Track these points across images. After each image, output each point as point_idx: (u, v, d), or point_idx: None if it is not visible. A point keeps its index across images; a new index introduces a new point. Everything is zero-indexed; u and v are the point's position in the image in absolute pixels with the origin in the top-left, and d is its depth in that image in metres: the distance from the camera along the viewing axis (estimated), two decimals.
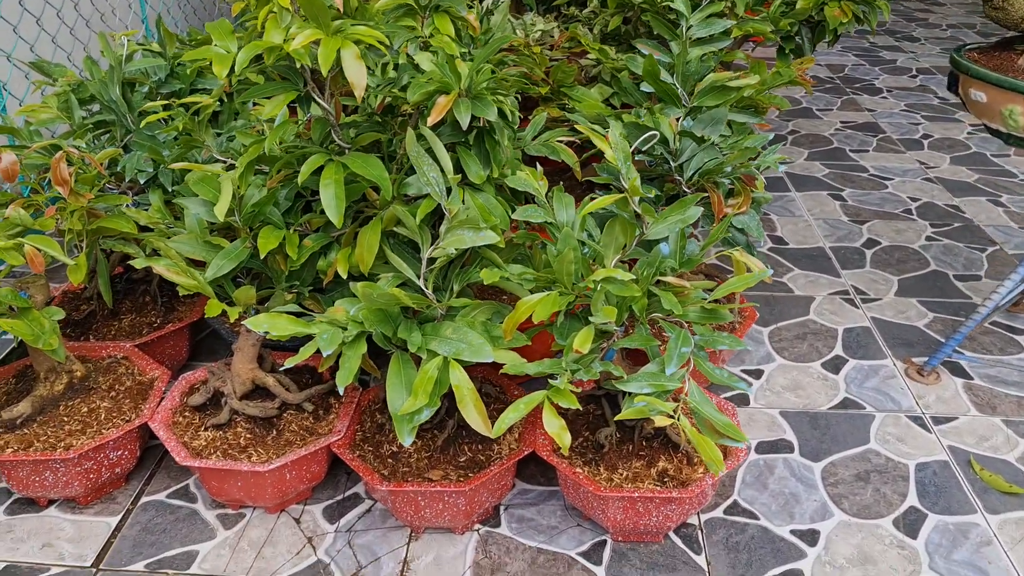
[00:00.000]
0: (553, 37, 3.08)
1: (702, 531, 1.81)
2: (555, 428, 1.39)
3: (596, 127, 2.09)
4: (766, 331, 2.51)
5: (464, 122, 1.44)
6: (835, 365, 2.36)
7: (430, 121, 1.43)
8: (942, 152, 3.87)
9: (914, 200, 3.38)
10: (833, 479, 1.95)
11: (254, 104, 2.27)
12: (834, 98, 4.61)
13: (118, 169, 2.06)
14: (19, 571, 1.72)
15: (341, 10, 1.41)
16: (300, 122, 1.72)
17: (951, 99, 4.55)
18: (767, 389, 2.26)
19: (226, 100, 2.19)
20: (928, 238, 3.07)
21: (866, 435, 2.09)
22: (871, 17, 2.90)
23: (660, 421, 1.39)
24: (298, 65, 1.45)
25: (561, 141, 1.99)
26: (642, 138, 1.68)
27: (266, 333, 1.74)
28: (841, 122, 4.25)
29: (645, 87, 2.21)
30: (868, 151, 3.89)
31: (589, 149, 2.51)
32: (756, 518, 1.85)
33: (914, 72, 5.06)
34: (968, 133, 4.09)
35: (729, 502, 1.89)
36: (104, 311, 2.19)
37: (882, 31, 5.98)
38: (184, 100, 1.86)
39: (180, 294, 1.60)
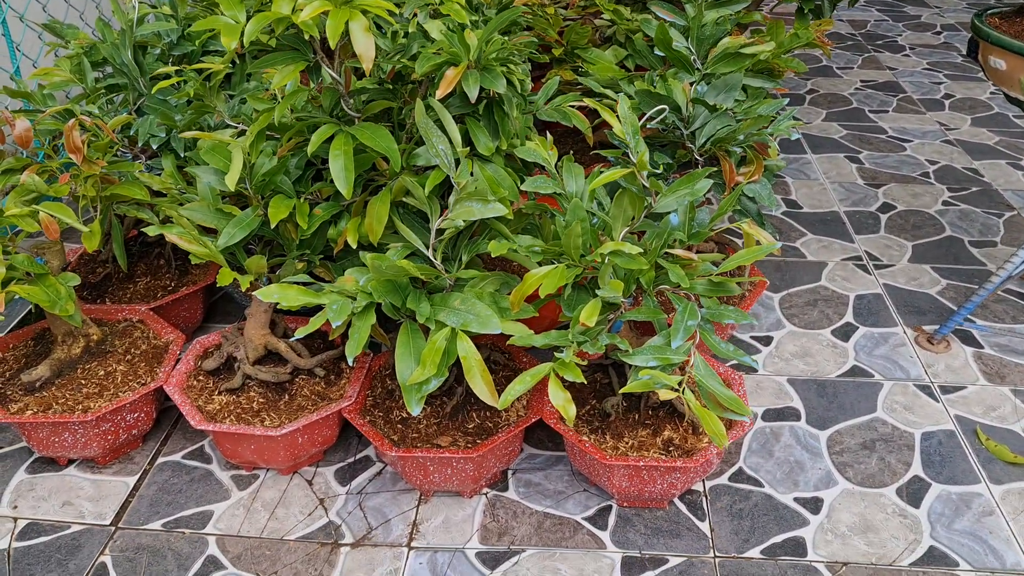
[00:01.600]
0: None
1: (706, 498, 1.84)
2: (560, 401, 1.41)
3: (608, 94, 2.08)
4: (777, 297, 2.51)
5: (472, 95, 1.43)
6: (845, 332, 2.36)
7: (439, 94, 1.42)
8: (963, 113, 3.81)
9: (932, 163, 3.34)
10: (839, 447, 1.97)
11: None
12: (855, 56, 4.53)
13: (131, 133, 2.07)
14: (41, 528, 1.77)
15: None
16: (311, 89, 1.72)
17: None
18: (776, 356, 2.26)
19: (238, 62, 2.19)
20: (945, 203, 3.04)
21: (873, 404, 2.10)
22: None
23: (664, 395, 1.41)
24: (307, 36, 1.44)
25: (573, 106, 1.98)
26: (652, 111, 1.66)
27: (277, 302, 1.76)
28: (861, 81, 4.19)
29: (658, 50, 2.18)
30: (887, 111, 3.83)
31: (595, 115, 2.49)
32: (760, 485, 1.87)
33: (938, 28, 4.95)
34: (991, 93, 4.02)
35: (734, 469, 1.91)
36: (119, 274, 2.22)
37: None
38: (196, 65, 1.86)
39: (193, 262, 1.62)
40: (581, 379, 1.40)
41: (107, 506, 1.83)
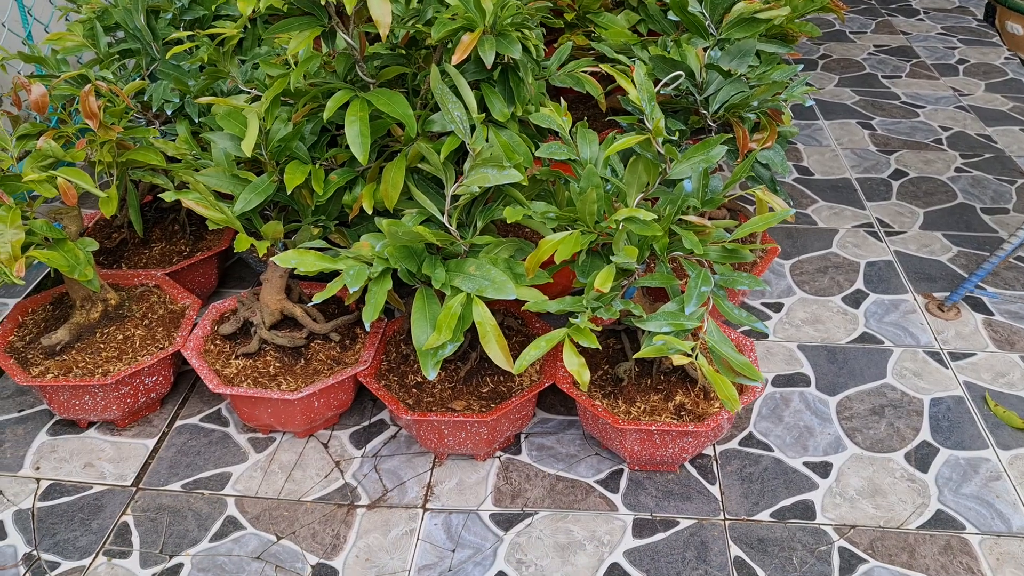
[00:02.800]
0: None
1: (717, 462, 1.86)
2: (575, 366, 1.43)
3: (621, 59, 2.07)
4: (788, 264, 2.52)
5: (488, 60, 1.43)
6: (855, 299, 2.37)
7: (454, 60, 1.42)
8: (977, 79, 3.77)
9: (945, 129, 3.32)
10: (848, 413, 1.99)
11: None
12: (868, 20, 4.49)
13: (144, 98, 2.08)
14: (64, 488, 1.81)
15: None
16: (325, 55, 1.72)
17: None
18: (786, 322, 2.28)
19: (249, 26, 2.18)
20: (957, 169, 3.03)
21: (883, 370, 2.11)
22: None
23: (678, 360, 1.42)
24: (323, 1, 1.44)
25: (586, 71, 1.97)
26: (668, 77, 1.66)
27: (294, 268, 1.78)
28: (874, 46, 4.15)
29: (673, 15, 2.17)
30: (901, 77, 3.80)
31: (615, 79, 2.48)
32: (770, 450, 1.89)
33: None
34: (1006, 58, 3.98)
35: (744, 434, 1.93)
36: (135, 239, 2.24)
37: None
38: (209, 31, 1.86)
39: (210, 227, 1.64)
40: (596, 345, 1.42)
41: (128, 467, 1.86)
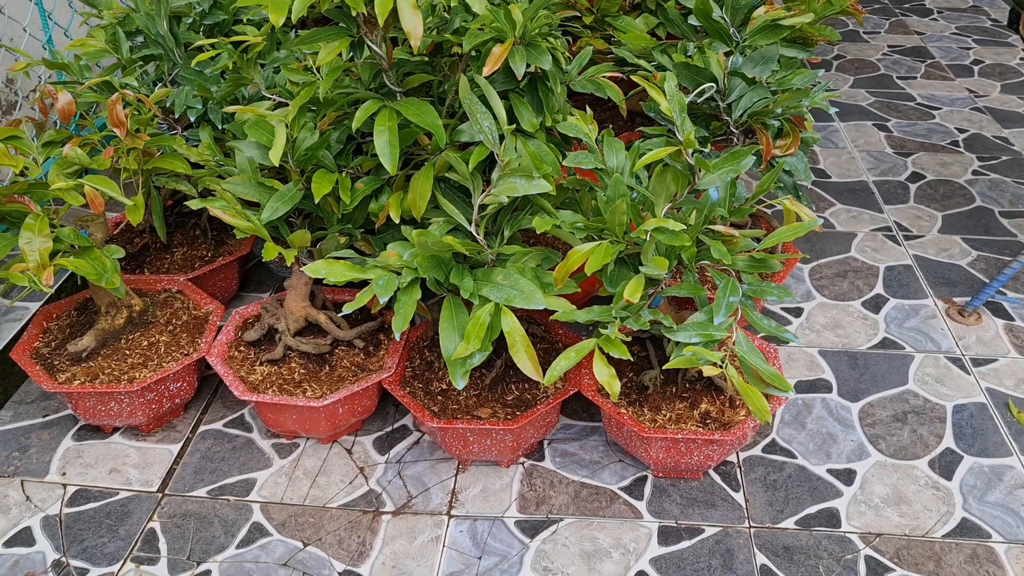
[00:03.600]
0: None
1: (740, 469, 1.87)
2: (605, 376, 1.43)
3: (642, 64, 2.07)
4: (807, 268, 2.52)
5: (519, 72, 1.43)
6: (875, 304, 2.37)
7: (485, 71, 1.42)
8: (992, 80, 3.76)
9: (961, 131, 3.31)
10: (871, 419, 1.99)
11: (296, 32, 2.26)
12: (882, 20, 4.47)
13: (167, 104, 2.08)
14: (90, 494, 1.82)
15: None
16: (350, 63, 1.72)
17: (1005, 21, 4.39)
18: (807, 327, 2.28)
19: (268, 32, 2.18)
20: (975, 172, 3.02)
21: (905, 376, 2.11)
22: None
23: (708, 371, 1.43)
24: (354, 12, 1.44)
25: (606, 76, 1.97)
26: (699, 89, 1.66)
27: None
28: (888, 46, 4.14)
29: (693, 19, 2.17)
30: (916, 78, 3.79)
31: (635, 85, 2.48)
32: (794, 457, 1.89)
33: None
34: (1021, 59, 3.97)
35: (767, 440, 1.94)
36: (157, 244, 2.24)
37: None
38: (233, 38, 1.86)
39: (237, 236, 1.64)
40: (627, 356, 1.42)
41: (153, 473, 1.87)
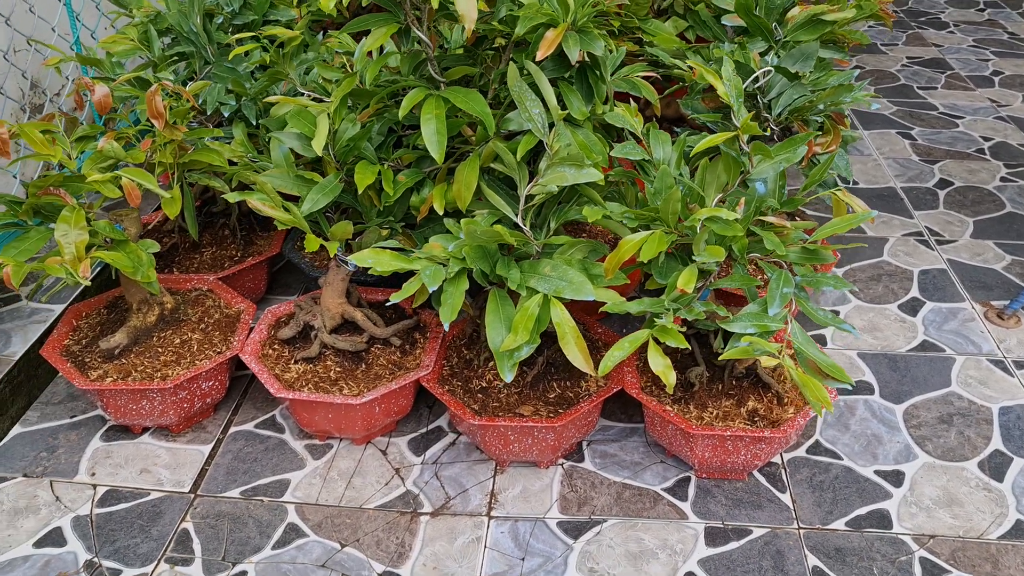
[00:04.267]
0: None
1: (785, 470, 1.82)
2: (661, 367, 1.40)
3: (677, 63, 2.06)
4: (839, 272, 2.48)
5: (573, 57, 1.41)
6: (912, 307, 2.33)
7: (539, 56, 1.40)
8: (1014, 90, 3.75)
9: (986, 140, 3.29)
10: (915, 421, 1.95)
11: (325, 36, 2.24)
12: (899, 32, 4.47)
13: (199, 102, 2.06)
14: (120, 495, 1.78)
15: None
16: (393, 53, 1.70)
17: (1021, 34, 4.39)
18: (843, 331, 2.24)
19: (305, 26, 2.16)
20: (1003, 179, 3.00)
21: (947, 378, 2.08)
22: None
23: (766, 361, 1.39)
24: None
25: (641, 76, 1.95)
26: (759, 72, 1.63)
27: (355, 267, 1.75)
28: (907, 58, 4.13)
29: (726, 20, 2.15)
30: (936, 88, 3.78)
31: (666, 85, 2.46)
32: (839, 458, 1.85)
33: (981, 5, 4.88)
34: None
35: (811, 442, 1.90)
36: (186, 244, 2.21)
37: None
38: (268, 31, 1.85)
39: (278, 228, 1.61)
40: (684, 344, 1.39)
41: (184, 474, 1.83)
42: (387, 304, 1.59)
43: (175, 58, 2.08)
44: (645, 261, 1.37)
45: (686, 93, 2.13)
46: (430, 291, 1.42)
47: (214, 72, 2.06)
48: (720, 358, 1.45)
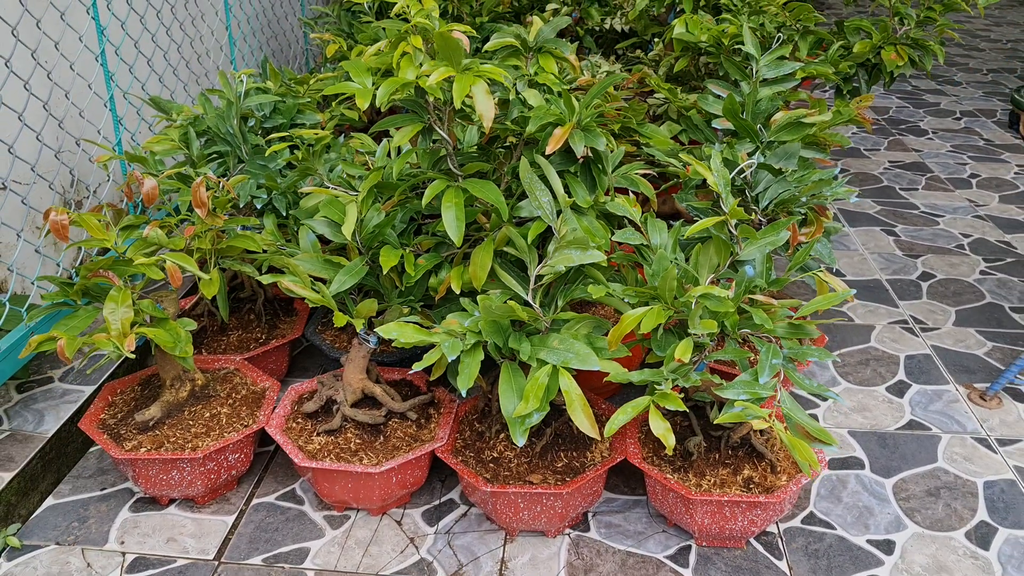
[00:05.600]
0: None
1: (782, 539, 1.92)
2: (661, 430, 1.52)
3: (672, 162, 2.25)
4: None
5: (579, 151, 1.59)
6: (899, 389, 2.46)
7: (548, 150, 1.58)
8: (990, 191, 3.97)
9: (966, 236, 3.48)
10: (905, 494, 2.05)
11: (347, 137, 2.45)
12: (881, 138, 4.74)
13: (232, 196, 2.24)
14: (148, 562, 1.86)
15: (468, 50, 1.57)
16: (415, 149, 1.88)
17: (997, 140, 4.66)
18: (835, 410, 2.36)
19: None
20: (982, 272, 3.17)
21: (934, 454, 2.19)
22: (926, 60, 3.04)
23: (758, 424, 1.52)
24: (429, 99, 1.61)
25: (639, 173, 2.14)
26: (744, 164, 1.81)
27: (377, 345, 1.89)
28: (889, 161, 4.38)
29: (716, 124, 2.36)
30: (917, 189, 4.00)
31: (661, 183, 2.66)
32: (832, 528, 1.95)
33: (958, 114, 5.17)
34: (1015, 173, 4.20)
35: (805, 513, 1.99)
36: (214, 327, 2.36)
37: (923, 76, 6.11)
38: (298, 132, 2.04)
39: (308, 305, 1.76)
40: (682, 406, 1.52)
41: (209, 542, 1.92)
42: (409, 373, 1.72)
43: (213, 155, 2.27)
44: (645, 333, 1.52)
45: (680, 190, 2.32)
46: (449, 360, 1.56)
47: (247, 169, 2.25)
48: (716, 420, 1.58)
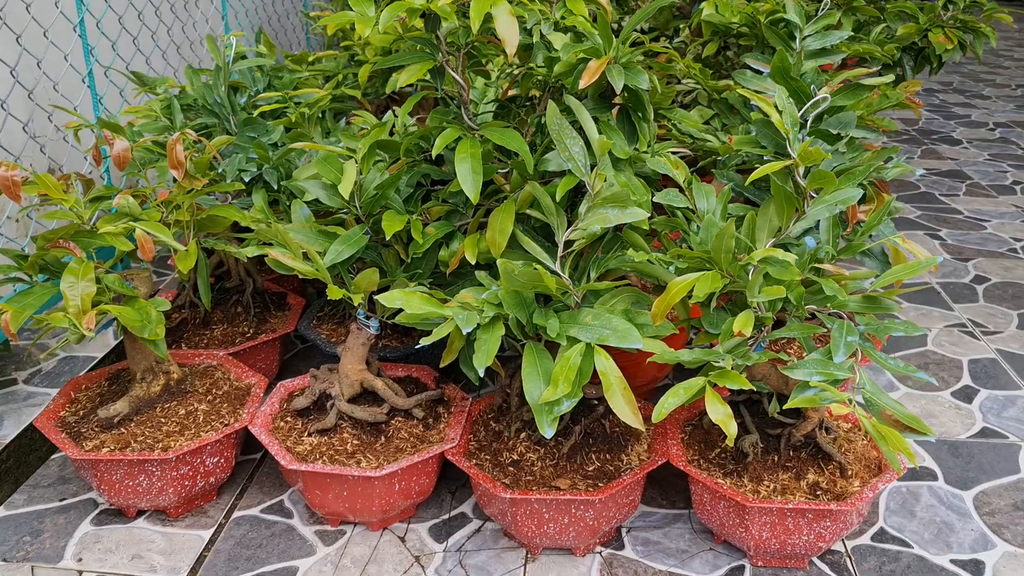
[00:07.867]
0: None
1: (850, 558, 1.63)
2: (721, 415, 1.26)
3: (708, 137, 2.01)
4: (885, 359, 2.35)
5: (618, 86, 1.35)
6: (966, 395, 2.18)
7: (582, 84, 1.34)
8: None
9: (1017, 240, 3.22)
10: (988, 508, 1.77)
11: (347, 122, 2.22)
12: (913, 148, 4.50)
13: (218, 172, 2.00)
14: None
15: None
16: (427, 92, 1.64)
17: None
18: None
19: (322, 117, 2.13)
20: None
21: (1015, 464, 1.91)
22: (977, 44, 2.81)
23: (836, 409, 1.25)
24: (442, 34, 1.37)
25: (672, 151, 1.90)
26: (817, 97, 1.54)
27: (378, 330, 1.63)
28: (925, 169, 4.13)
29: (755, 103, 2.12)
30: (959, 195, 3.75)
31: (692, 164, 2.42)
32: (909, 546, 1.67)
33: (991, 126, 4.94)
34: None
35: (875, 529, 1.71)
36: (196, 320, 2.10)
37: (950, 89, 5.89)
38: (295, 92, 1.81)
39: (300, 277, 1.50)
40: (748, 385, 1.25)
41: (181, 560, 1.64)
42: (416, 348, 1.46)
43: (199, 128, 2.04)
44: (690, 312, 1.26)
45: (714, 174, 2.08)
46: (464, 332, 1.30)
47: (236, 143, 2.01)
48: (786, 405, 1.31)
